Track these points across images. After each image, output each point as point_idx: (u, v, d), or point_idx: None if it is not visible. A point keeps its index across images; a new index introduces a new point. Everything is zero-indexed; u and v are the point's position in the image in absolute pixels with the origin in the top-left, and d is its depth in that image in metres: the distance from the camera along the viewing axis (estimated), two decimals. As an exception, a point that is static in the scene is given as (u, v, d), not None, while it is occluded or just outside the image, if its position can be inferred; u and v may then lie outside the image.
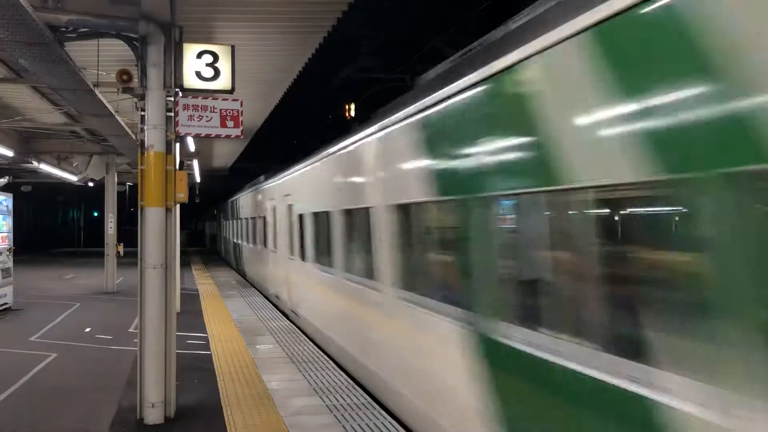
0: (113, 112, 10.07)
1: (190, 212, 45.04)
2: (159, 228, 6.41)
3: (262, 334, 11.07)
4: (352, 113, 20.63)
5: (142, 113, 6.48)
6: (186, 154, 15.81)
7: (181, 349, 8.94)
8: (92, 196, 33.23)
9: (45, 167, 18.28)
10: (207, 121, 6.65)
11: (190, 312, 13.64)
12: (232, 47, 6.78)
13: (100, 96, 8.81)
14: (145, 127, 6.43)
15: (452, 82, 4.94)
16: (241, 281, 21.10)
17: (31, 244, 36.50)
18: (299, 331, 11.31)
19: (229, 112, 6.73)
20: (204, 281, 21.01)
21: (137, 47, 6.49)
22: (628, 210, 3.37)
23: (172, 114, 6.53)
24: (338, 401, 6.88)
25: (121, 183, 24.69)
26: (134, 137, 11.13)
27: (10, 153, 14.68)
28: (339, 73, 20.21)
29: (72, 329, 11.82)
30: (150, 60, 6.43)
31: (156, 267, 6.39)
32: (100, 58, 7.96)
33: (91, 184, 24.32)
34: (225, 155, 22.30)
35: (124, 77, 6.45)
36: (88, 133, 15.51)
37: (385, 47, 18.63)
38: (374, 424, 6.10)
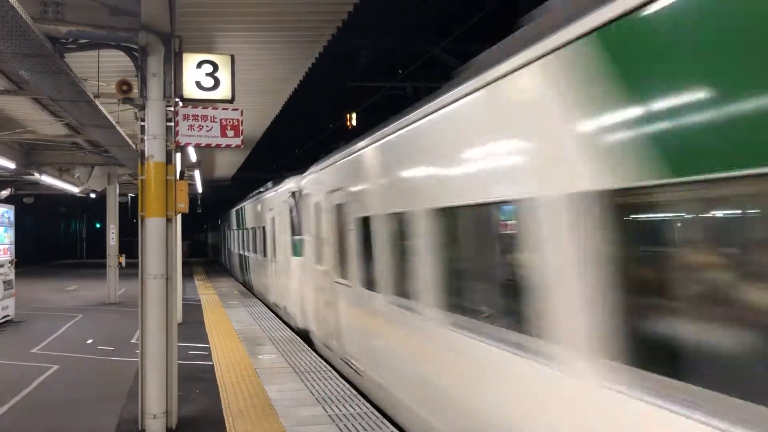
0: (114, 123, 10.08)
1: (193, 222, 45.07)
2: (159, 238, 6.39)
3: (264, 343, 11.03)
4: (353, 122, 20.66)
5: (142, 123, 6.48)
6: (187, 165, 15.82)
7: (182, 359, 8.90)
8: (94, 207, 33.27)
9: (47, 179, 18.30)
10: (207, 131, 6.65)
11: (192, 322, 13.60)
12: (232, 57, 6.78)
13: (100, 107, 8.82)
14: (145, 138, 6.42)
15: None
16: (243, 291, 21.05)
17: (33, 256, 36.49)
18: (301, 340, 11.26)
19: (230, 122, 6.73)
20: (206, 291, 20.98)
21: (137, 58, 6.50)
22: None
23: (172, 124, 6.53)
24: (341, 411, 6.83)
25: (123, 194, 24.74)
26: (135, 148, 11.13)
27: (12, 165, 14.70)
28: (339, 83, 20.27)
29: (74, 341, 11.78)
30: (150, 70, 6.44)
31: (157, 277, 6.36)
32: (100, 69, 7.98)
33: (93, 195, 24.33)
34: (227, 165, 22.32)
35: (124, 87, 6.45)
36: (89, 145, 15.52)
37: (384, 56, 18.68)
38: (377, 433, 6.06)
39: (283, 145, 29.86)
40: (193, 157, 14.83)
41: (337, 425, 6.34)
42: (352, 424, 6.35)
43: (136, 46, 6.47)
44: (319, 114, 26.31)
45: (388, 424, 6.36)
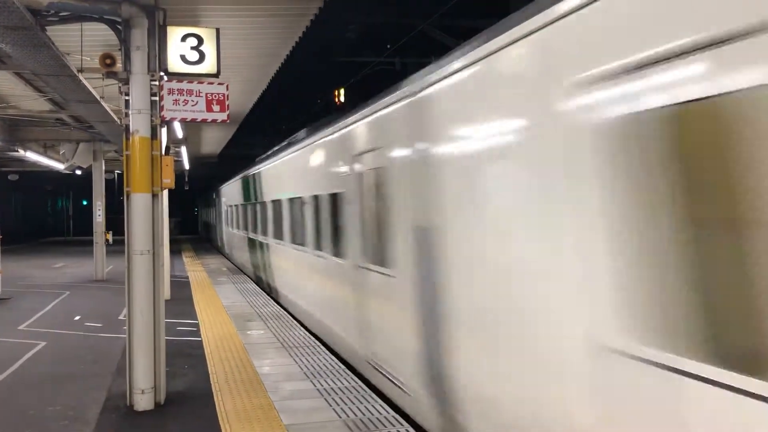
0: (98, 98, 9.95)
1: (182, 200, 44.75)
2: (145, 214, 6.35)
3: (253, 319, 11.06)
4: (341, 98, 20.54)
5: (127, 98, 6.40)
6: (174, 141, 15.69)
7: (171, 335, 8.92)
8: (81, 184, 33.02)
9: (31, 155, 18.11)
10: (192, 106, 6.58)
11: (181, 299, 13.60)
12: (217, 30, 6.69)
13: (84, 81, 8.70)
14: (130, 112, 6.34)
15: None
16: (231, 268, 21.05)
17: (18, 234, 36.19)
18: (289, 317, 11.31)
19: (215, 96, 6.66)
20: (194, 269, 20.95)
21: (120, 31, 6.39)
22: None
23: (157, 98, 6.46)
24: (329, 385, 6.88)
25: (109, 171, 24.52)
26: (120, 123, 11.01)
27: (-5, 141, 14.52)
28: (328, 57, 20.07)
29: (61, 317, 11.76)
30: (133, 43, 6.34)
31: (143, 253, 6.34)
32: (83, 42, 7.85)
33: (78, 172, 24.14)
34: (214, 141, 22.14)
35: (108, 61, 6.36)
36: (74, 120, 15.34)
37: (373, 31, 18.51)
38: (365, 407, 6.12)
39: (271, 121, 29.62)
40: (179, 132, 14.70)
41: (325, 399, 6.40)
42: (341, 398, 6.40)
43: (119, 19, 6.36)
44: (307, 89, 26.12)
45: (376, 397, 6.42)
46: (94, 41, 8.15)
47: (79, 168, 22.50)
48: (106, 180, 20.18)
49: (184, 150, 19.59)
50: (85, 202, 46.24)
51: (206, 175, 34.33)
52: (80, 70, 7.99)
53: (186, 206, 53.41)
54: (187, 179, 28.83)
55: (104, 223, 18.83)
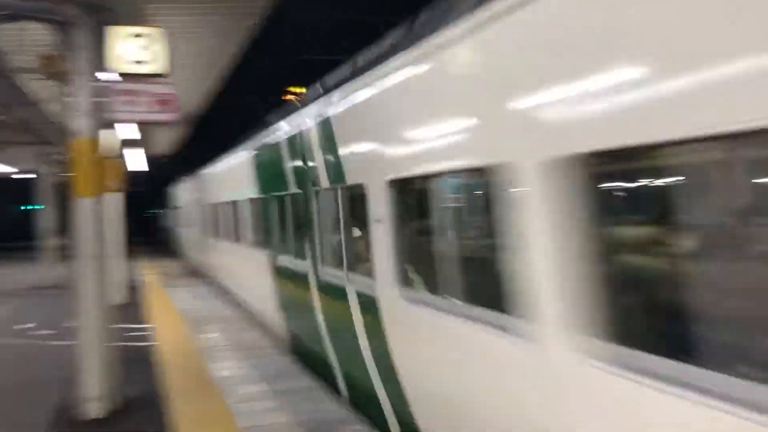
0: (41, 100, 9.67)
1: (140, 200, 43.70)
2: (92, 218, 6.20)
3: (208, 323, 10.90)
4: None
5: (70, 100, 6.23)
6: (127, 141, 15.36)
7: (124, 341, 8.74)
8: (29, 188, 32.02)
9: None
10: (139, 107, 6.45)
11: (134, 303, 13.33)
12: (164, 30, 6.58)
13: (25, 83, 8.44)
14: (73, 115, 6.18)
15: None
16: (186, 272, 20.73)
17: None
18: (244, 320, 11.19)
19: (163, 97, 6.55)
20: (149, 272, 20.56)
21: (63, 31, 6.22)
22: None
23: (102, 100, 6.30)
24: (285, 386, 6.84)
25: (59, 173, 23.87)
26: (63, 126, 10.73)
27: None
28: (285, 56, 19.93)
29: (5, 326, 11.39)
30: (77, 44, 6.17)
31: (90, 257, 6.19)
32: (24, 42, 7.62)
33: (26, 176, 23.46)
34: (168, 142, 21.73)
35: (48, 62, 6.19)
36: (18, 123, 14.85)
37: (333, 29, 18.45)
38: (322, 407, 6.10)
39: (233, 119, 29.23)
40: (129, 133, 14.39)
41: (281, 401, 6.35)
42: (298, 399, 6.36)
43: (61, 19, 6.19)
44: (270, 88, 25.87)
45: (333, 398, 6.41)
46: (36, 41, 7.91)
47: (26, 172, 21.89)
48: (56, 183, 19.64)
49: (134, 151, 19.20)
50: (31, 207, 44.85)
51: (165, 175, 33.74)
52: (20, 71, 7.76)
53: (141, 208, 52.35)
54: (140, 181, 28.25)
55: (53, 227, 18.35)
